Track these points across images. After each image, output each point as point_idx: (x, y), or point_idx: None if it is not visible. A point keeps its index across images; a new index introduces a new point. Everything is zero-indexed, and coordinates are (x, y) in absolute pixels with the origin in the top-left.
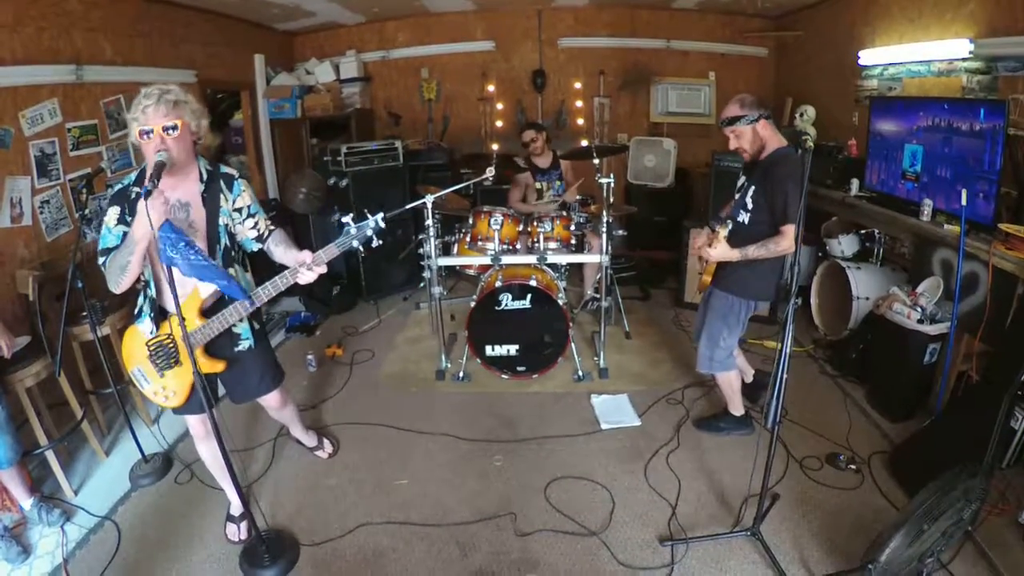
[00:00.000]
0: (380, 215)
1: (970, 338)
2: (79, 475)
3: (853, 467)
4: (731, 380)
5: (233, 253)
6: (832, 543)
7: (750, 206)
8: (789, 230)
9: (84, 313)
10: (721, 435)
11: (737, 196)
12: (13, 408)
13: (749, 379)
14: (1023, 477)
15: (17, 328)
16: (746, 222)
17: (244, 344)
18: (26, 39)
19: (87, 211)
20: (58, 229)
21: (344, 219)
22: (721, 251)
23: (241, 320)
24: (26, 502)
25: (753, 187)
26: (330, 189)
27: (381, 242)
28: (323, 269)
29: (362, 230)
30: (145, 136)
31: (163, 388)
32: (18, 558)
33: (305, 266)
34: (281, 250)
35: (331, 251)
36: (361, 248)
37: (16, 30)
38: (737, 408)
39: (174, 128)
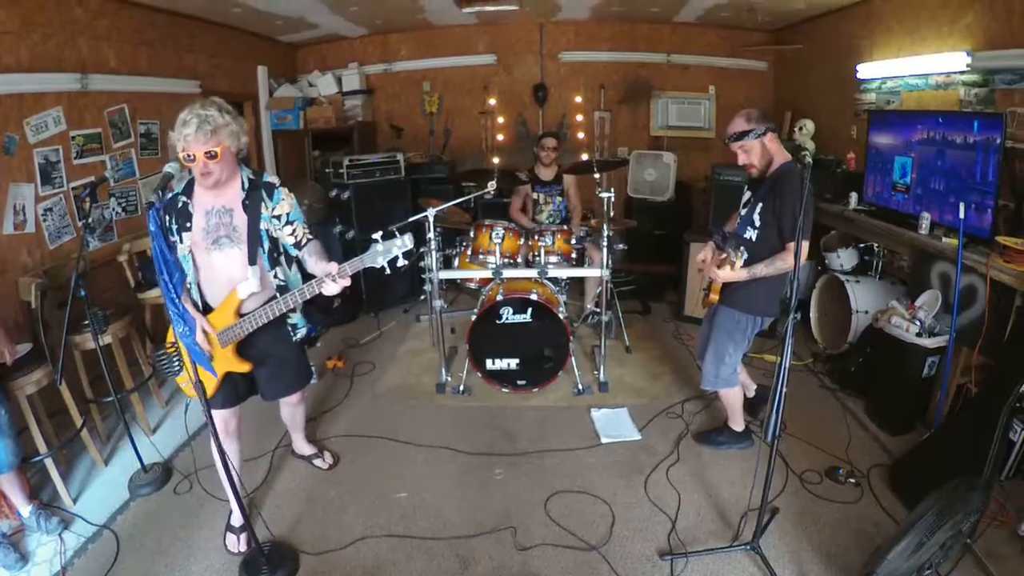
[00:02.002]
0: (408, 235)
1: (969, 351)
2: (78, 483)
3: (852, 480)
4: (735, 396)
5: (276, 254)
6: (831, 557)
7: (757, 223)
8: (800, 245)
9: (86, 322)
10: (721, 449)
11: (743, 212)
12: (13, 415)
13: (751, 394)
14: (1022, 489)
15: (19, 335)
16: (753, 238)
17: (301, 332)
18: (32, 46)
19: (90, 219)
20: (61, 237)
21: (374, 235)
22: (729, 272)
23: (294, 311)
24: (24, 509)
25: (760, 204)
26: (332, 201)
27: (407, 262)
28: (347, 281)
29: (388, 248)
30: (188, 160)
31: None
32: (16, 565)
33: (330, 277)
34: (313, 260)
35: (356, 264)
36: (386, 266)
37: (22, 36)
38: (738, 423)
39: (215, 155)
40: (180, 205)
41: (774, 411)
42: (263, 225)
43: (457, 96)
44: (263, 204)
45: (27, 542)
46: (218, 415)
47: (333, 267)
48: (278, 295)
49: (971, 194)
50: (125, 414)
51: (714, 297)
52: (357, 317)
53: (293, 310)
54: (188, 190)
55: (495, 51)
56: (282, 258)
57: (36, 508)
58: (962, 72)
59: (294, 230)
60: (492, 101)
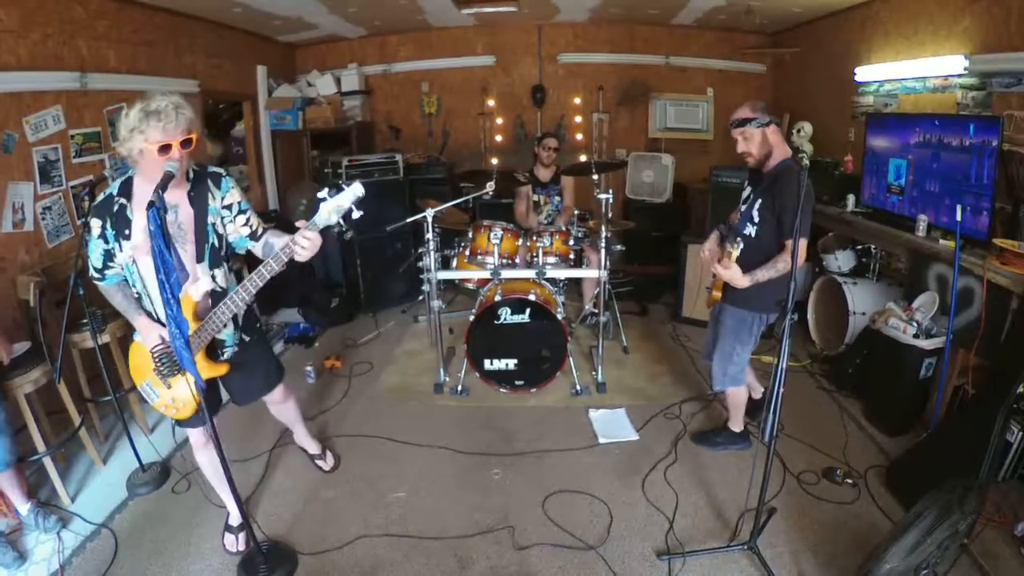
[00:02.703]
0: (357, 183)
1: (965, 352)
2: (76, 482)
3: (850, 481)
4: (740, 395)
5: (222, 253)
6: (829, 557)
7: (756, 219)
8: (798, 244)
9: (84, 321)
10: (718, 450)
11: (743, 208)
12: (11, 413)
13: (757, 395)
14: (1019, 490)
15: (17, 334)
16: (752, 235)
17: (228, 351)
18: (32, 45)
19: (89, 219)
20: (59, 236)
21: (319, 193)
22: (731, 275)
23: (225, 326)
24: (23, 507)
25: (760, 200)
26: None
27: (362, 212)
28: (319, 240)
29: (338, 202)
30: (163, 150)
31: (172, 400)
32: (14, 563)
33: (301, 235)
34: (283, 240)
35: (312, 228)
36: (342, 221)
37: (22, 35)
38: (737, 424)
39: (191, 143)
40: (116, 208)
41: (771, 412)
42: (211, 219)
43: (456, 97)
44: (210, 195)
45: (25, 540)
46: (196, 432)
47: (301, 224)
48: (240, 289)
49: (968, 196)
50: (123, 413)
51: (716, 294)
52: (355, 317)
53: (234, 318)
54: (126, 190)
55: (494, 52)
56: (227, 257)
57: (34, 506)
58: (959, 75)
59: (248, 219)
60: (491, 102)
